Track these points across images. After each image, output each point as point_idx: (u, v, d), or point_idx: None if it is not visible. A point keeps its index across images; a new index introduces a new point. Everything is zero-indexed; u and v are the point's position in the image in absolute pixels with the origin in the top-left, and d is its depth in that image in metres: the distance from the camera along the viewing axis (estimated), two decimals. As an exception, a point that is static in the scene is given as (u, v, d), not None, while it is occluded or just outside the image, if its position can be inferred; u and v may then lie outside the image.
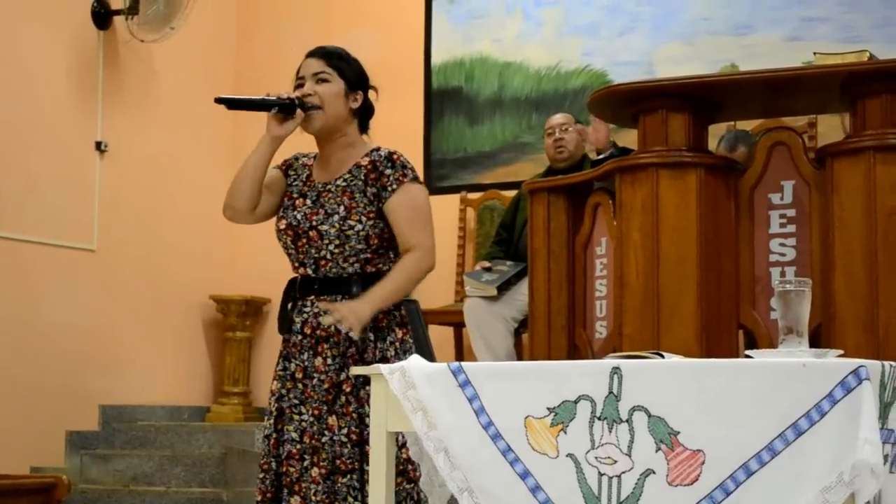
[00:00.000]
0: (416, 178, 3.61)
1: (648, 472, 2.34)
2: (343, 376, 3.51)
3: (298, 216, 3.60)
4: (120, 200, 7.05)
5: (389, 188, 3.55)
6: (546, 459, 2.47)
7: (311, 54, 3.69)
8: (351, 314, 3.40)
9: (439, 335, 6.70)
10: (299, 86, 3.65)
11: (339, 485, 3.45)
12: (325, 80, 3.63)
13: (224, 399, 7.51)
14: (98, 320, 6.85)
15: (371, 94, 3.74)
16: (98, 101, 6.99)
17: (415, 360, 2.73)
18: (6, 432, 6.20)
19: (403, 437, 3.16)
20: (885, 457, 2.35)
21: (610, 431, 2.39)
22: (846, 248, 4.20)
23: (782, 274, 4.36)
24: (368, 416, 3.44)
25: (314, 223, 3.56)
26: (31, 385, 6.38)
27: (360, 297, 3.50)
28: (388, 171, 3.57)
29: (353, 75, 3.67)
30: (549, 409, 2.48)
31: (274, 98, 3.60)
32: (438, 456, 2.59)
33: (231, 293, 7.58)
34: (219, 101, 3.63)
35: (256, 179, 3.64)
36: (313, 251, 3.56)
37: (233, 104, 3.70)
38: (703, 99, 4.57)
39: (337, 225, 3.53)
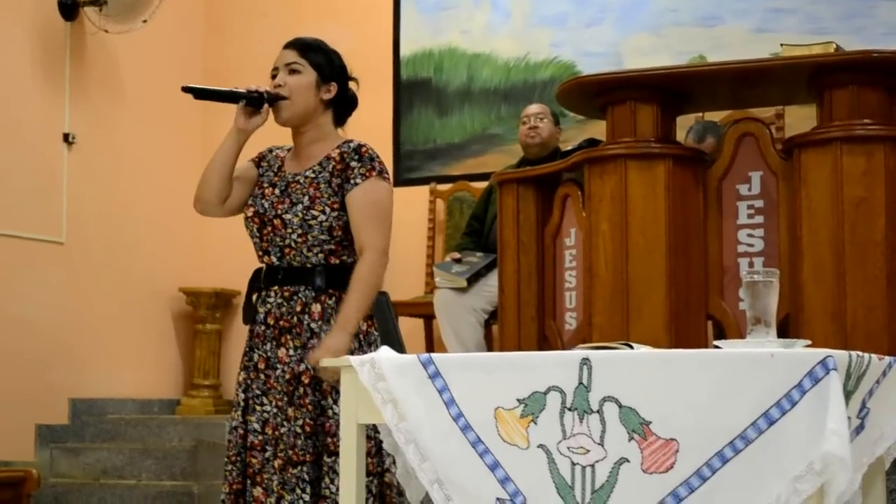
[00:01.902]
0: (382, 174, 3.57)
1: (622, 461, 2.35)
2: (303, 367, 3.49)
3: (266, 204, 3.60)
4: (88, 193, 7.02)
5: (353, 181, 3.52)
6: (517, 450, 2.47)
7: (287, 45, 3.68)
8: (327, 353, 3.29)
9: (409, 327, 6.71)
10: (274, 76, 3.64)
11: (289, 475, 3.43)
12: (296, 71, 3.61)
13: (194, 392, 7.49)
14: (67, 313, 6.82)
15: (351, 85, 3.72)
16: (65, 92, 6.95)
17: (384, 352, 2.73)
18: (-25, 426, 6.18)
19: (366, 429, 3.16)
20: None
21: (581, 422, 2.40)
22: (814, 239, 4.22)
23: (750, 264, 4.38)
24: (326, 407, 3.47)
25: (279, 212, 3.55)
26: (0, 379, 6.35)
27: (332, 329, 3.44)
28: (353, 164, 3.54)
29: (326, 66, 3.64)
30: (518, 400, 2.47)
31: (243, 91, 3.57)
32: (409, 448, 2.59)
33: (201, 285, 7.57)
34: (186, 90, 3.57)
35: (224, 172, 3.63)
36: (278, 239, 3.55)
37: (200, 94, 3.62)
38: (671, 90, 4.58)
39: (300, 214, 3.51)
